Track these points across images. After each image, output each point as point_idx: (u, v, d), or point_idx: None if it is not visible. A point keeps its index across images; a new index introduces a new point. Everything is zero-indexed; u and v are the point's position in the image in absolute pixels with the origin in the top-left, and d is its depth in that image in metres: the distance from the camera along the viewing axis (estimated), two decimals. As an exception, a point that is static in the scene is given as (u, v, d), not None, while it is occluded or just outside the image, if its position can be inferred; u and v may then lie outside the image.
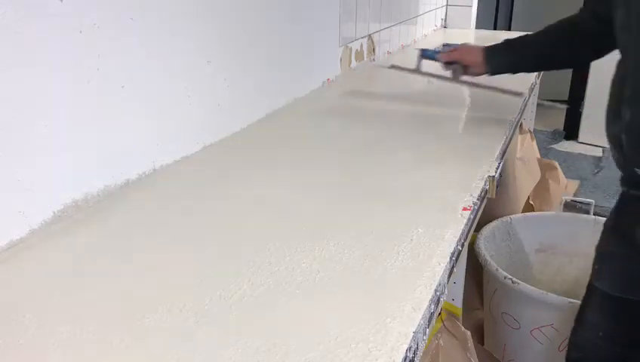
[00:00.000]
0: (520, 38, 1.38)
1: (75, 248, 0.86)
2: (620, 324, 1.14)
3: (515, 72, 1.42)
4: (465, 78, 1.49)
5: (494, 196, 1.14)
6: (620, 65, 1.00)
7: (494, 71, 1.41)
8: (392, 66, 1.70)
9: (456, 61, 1.45)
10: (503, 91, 1.55)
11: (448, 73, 1.50)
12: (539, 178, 2.18)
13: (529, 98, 1.81)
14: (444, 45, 1.53)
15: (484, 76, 1.44)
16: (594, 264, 1.18)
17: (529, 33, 1.37)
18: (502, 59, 1.39)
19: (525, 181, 2.07)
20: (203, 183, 1.10)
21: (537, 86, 2.47)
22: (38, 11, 0.84)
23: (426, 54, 1.57)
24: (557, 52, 1.32)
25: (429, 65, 1.60)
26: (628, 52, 0.96)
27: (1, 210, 0.83)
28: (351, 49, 2.05)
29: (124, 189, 1.04)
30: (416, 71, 1.62)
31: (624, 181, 1.07)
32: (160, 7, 1.07)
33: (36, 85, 0.85)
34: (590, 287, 1.19)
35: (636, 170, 0.98)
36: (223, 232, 0.90)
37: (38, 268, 0.81)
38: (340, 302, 0.72)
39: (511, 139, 1.43)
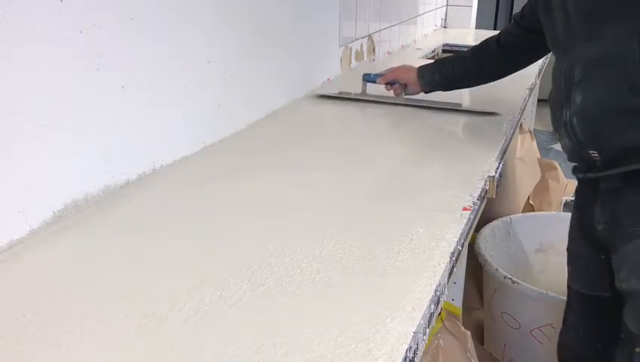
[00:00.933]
0: (450, 57, 1.53)
1: (75, 248, 0.86)
2: (597, 322, 1.17)
3: (446, 88, 1.53)
4: (407, 96, 1.59)
5: (494, 196, 1.14)
6: (563, 57, 1.03)
7: (427, 88, 1.52)
8: (340, 93, 1.71)
9: (395, 81, 1.57)
10: (442, 104, 1.59)
11: (391, 93, 1.60)
12: (539, 178, 2.18)
13: (529, 98, 1.81)
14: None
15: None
16: (567, 265, 1.22)
17: (460, 51, 1.50)
18: (432, 76, 1.50)
19: (525, 181, 2.07)
20: (203, 183, 1.10)
21: (537, 86, 2.47)
22: (38, 11, 0.84)
23: (368, 79, 1.66)
24: (481, 67, 1.44)
25: (374, 89, 1.66)
26: (573, 43, 0.99)
27: (1, 210, 0.83)
28: (351, 49, 2.05)
29: (124, 189, 1.04)
30: (363, 94, 1.68)
31: (579, 168, 1.08)
32: (160, 7, 1.07)
33: (36, 85, 0.85)
34: (568, 289, 1.23)
35: (591, 152, 0.99)
36: (223, 232, 0.90)
37: (38, 268, 0.81)
38: (340, 302, 0.72)
39: (511, 139, 1.43)
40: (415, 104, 1.61)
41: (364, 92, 1.68)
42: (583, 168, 1.07)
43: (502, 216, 1.85)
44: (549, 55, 1.50)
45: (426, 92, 1.54)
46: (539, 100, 3.06)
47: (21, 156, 0.85)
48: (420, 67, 1.53)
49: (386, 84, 1.60)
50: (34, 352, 0.64)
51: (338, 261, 0.81)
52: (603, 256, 1.08)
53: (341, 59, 1.98)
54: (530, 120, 2.78)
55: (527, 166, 2.08)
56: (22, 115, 0.84)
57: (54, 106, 0.89)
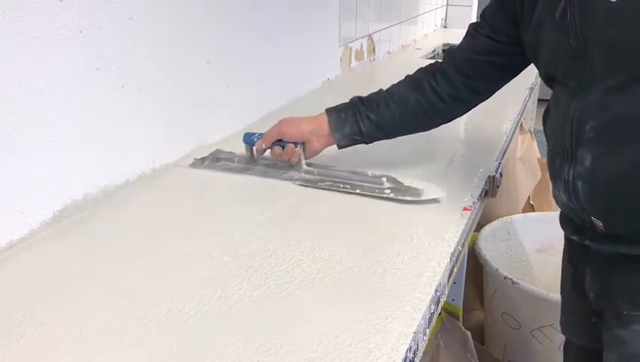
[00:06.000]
0: (379, 94, 1.07)
1: (75, 248, 0.86)
2: None
3: (373, 140, 1.08)
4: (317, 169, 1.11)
5: (494, 196, 1.14)
6: (571, 98, 0.80)
7: (347, 142, 1.07)
8: (214, 154, 1.18)
9: (284, 141, 1.08)
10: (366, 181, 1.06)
11: (288, 160, 1.10)
12: (539, 178, 2.18)
13: (529, 98, 1.81)
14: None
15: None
16: (561, 314, 1.09)
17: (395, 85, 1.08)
18: (355, 127, 1.05)
19: (525, 181, 2.06)
20: (203, 183, 1.10)
21: (537, 86, 2.47)
22: (38, 11, 0.84)
23: (249, 140, 1.13)
24: (434, 106, 1.04)
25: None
26: (589, 83, 0.77)
27: (1, 210, 0.83)
28: (351, 49, 2.05)
29: (124, 189, 1.04)
30: (251, 161, 1.14)
31: (572, 228, 0.90)
32: (160, 7, 1.07)
33: (36, 85, 0.85)
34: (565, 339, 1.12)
35: (594, 220, 0.81)
36: (223, 232, 0.90)
37: (38, 268, 0.81)
38: (340, 302, 0.72)
39: (511, 139, 1.43)
40: (320, 185, 1.05)
41: (253, 158, 1.15)
42: (577, 229, 0.88)
43: (502, 216, 1.85)
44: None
45: (341, 147, 1.09)
46: (539, 100, 3.06)
47: (21, 156, 0.85)
48: (332, 112, 1.07)
49: (271, 147, 1.09)
50: (34, 352, 0.64)
51: (338, 261, 0.81)
52: (600, 319, 0.92)
53: (341, 59, 1.98)
54: (530, 120, 2.78)
55: (527, 166, 2.08)
56: (22, 115, 0.84)
57: (54, 106, 0.89)
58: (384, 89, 1.08)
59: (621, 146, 0.75)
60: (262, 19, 1.43)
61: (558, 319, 1.21)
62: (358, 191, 1.03)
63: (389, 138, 1.10)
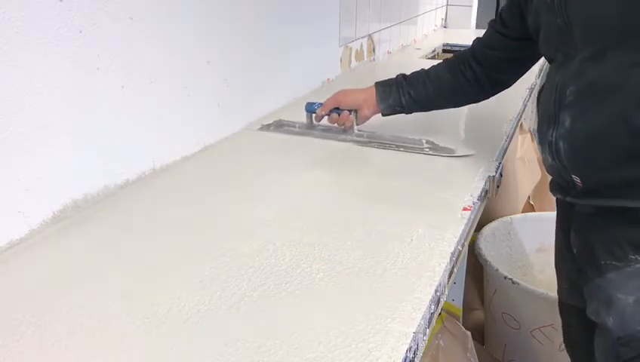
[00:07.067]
0: (420, 73, 1.26)
1: (74, 248, 0.86)
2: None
3: (412, 112, 1.28)
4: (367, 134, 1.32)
5: (494, 196, 1.14)
6: (558, 67, 0.91)
7: (389, 112, 1.28)
8: (277, 122, 1.42)
9: (338, 109, 1.31)
10: (409, 142, 1.30)
11: (342, 125, 1.33)
12: (539, 178, 2.18)
13: (529, 98, 1.81)
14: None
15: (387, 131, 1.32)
16: (562, 284, 1.14)
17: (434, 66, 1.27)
18: (397, 99, 1.25)
19: (525, 181, 2.07)
20: (203, 183, 1.10)
21: (537, 86, 2.47)
22: (38, 11, 0.84)
23: (310, 109, 1.36)
24: (462, 89, 1.22)
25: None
26: (571, 56, 0.88)
27: (1, 210, 0.83)
28: (351, 49, 2.05)
29: (124, 189, 1.04)
30: (310, 127, 1.38)
31: (557, 188, 0.99)
32: (159, 7, 1.07)
33: (36, 85, 0.85)
34: (562, 306, 1.16)
35: (574, 177, 0.90)
36: (222, 232, 0.90)
37: (38, 268, 0.81)
38: (340, 302, 0.72)
39: (511, 139, 1.43)
40: (369, 141, 1.30)
41: (312, 125, 1.39)
42: (561, 189, 0.98)
43: (502, 216, 1.85)
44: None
45: (385, 115, 1.30)
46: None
47: (21, 156, 0.85)
48: (379, 85, 1.29)
49: (329, 113, 1.32)
50: (34, 352, 0.64)
51: (338, 261, 0.81)
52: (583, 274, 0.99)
53: (341, 59, 1.98)
54: (530, 120, 2.78)
55: (527, 166, 2.08)
56: (22, 115, 0.84)
57: (54, 106, 0.89)
58: (425, 69, 1.27)
59: (594, 109, 0.85)
60: (262, 20, 1.43)
61: (558, 319, 1.21)
62: (402, 149, 1.26)
63: (425, 110, 1.30)
